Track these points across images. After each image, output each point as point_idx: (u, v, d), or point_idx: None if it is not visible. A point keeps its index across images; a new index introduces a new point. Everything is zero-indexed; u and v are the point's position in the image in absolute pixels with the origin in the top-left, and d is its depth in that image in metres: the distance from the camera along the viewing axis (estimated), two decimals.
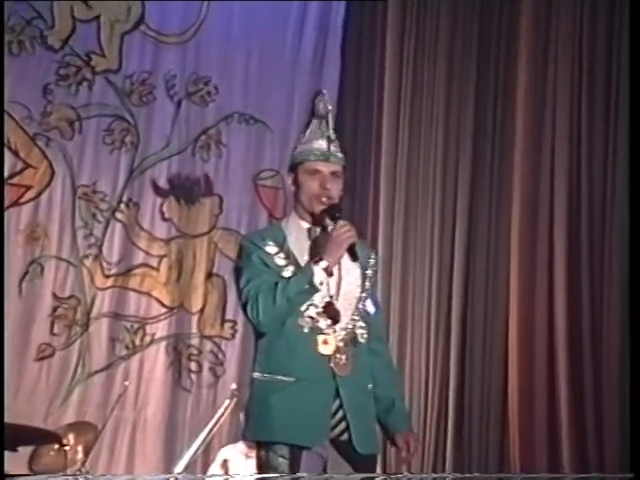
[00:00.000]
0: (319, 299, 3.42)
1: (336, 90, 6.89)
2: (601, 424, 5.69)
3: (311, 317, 3.43)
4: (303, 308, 3.41)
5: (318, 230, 3.50)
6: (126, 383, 6.27)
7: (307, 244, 3.49)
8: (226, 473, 5.58)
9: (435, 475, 3.46)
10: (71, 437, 5.57)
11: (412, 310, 6.40)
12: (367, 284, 3.54)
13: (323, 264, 3.36)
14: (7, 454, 4.92)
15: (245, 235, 4.01)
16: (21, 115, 6.68)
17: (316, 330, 3.42)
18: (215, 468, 5.61)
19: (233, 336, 6.85)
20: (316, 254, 3.40)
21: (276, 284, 3.36)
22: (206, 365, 6.83)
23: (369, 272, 3.56)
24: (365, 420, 3.45)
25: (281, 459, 3.35)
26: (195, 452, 5.62)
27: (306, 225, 3.53)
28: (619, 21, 5.90)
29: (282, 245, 3.46)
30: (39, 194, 6.72)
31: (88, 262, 6.76)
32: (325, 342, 3.42)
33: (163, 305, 6.84)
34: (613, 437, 5.59)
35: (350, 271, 3.49)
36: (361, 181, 6.61)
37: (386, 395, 3.55)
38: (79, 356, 6.68)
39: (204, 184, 6.97)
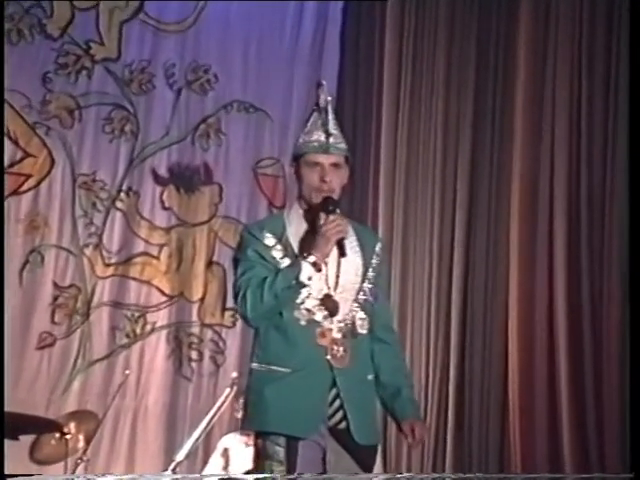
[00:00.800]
0: (317, 291, 3.42)
1: (335, 79, 6.88)
2: (602, 424, 5.67)
3: (308, 309, 3.42)
4: (299, 300, 3.41)
5: (306, 225, 3.49)
6: (127, 372, 6.28)
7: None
8: (227, 462, 5.60)
9: (435, 475, 3.45)
10: (72, 426, 5.58)
11: (412, 306, 6.38)
12: (370, 273, 3.53)
13: (311, 259, 3.36)
14: (8, 443, 4.94)
15: (246, 225, 4.01)
16: (20, 104, 6.67)
17: (313, 322, 3.42)
18: (216, 457, 5.64)
19: (234, 324, 6.85)
20: (305, 249, 3.40)
21: (265, 279, 3.37)
22: (207, 354, 6.84)
23: (374, 260, 3.55)
24: (364, 410, 3.44)
25: (278, 447, 3.36)
26: (196, 441, 5.63)
27: (306, 216, 3.52)
28: (618, 19, 5.88)
29: (280, 237, 3.46)
30: (39, 183, 6.72)
31: (88, 251, 6.76)
32: (322, 334, 3.41)
33: (163, 294, 6.84)
34: (614, 437, 5.57)
35: (350, 262, 3.47)
36: (360, 171, 6.58)
37: (392, 382, 3.54)
38: (80, 345, 6.69)
39: (204, 173, 6.96)
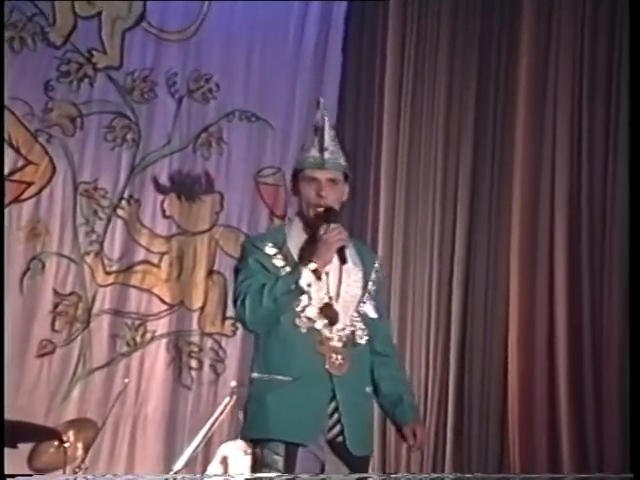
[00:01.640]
0: (318, 300, 3.46)
1: (337, 84, 6.90)
2: (601, 424, 5.69)
3: (308, 318, 3.46)
4: (299, 308, 3.44)
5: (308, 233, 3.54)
6: (126, 380, 6.28)
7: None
8: (225, 469, 5.59)
9: (434, 475, 3.46)
10: (71, 434, 5.56)
11: (412, 311, 6.39)
12: (371, 287, 3.57)
13: (312, 266, 3.41)
14: (7, 451, 4.93)
15: (247, 237, 4.08)
16: (22, 111, 6.68)
17: (313, 330, 3.45)
18: (215, 464, 5.63)
19: (234, 333, 6.85)
20: (306, 256, 3.45)
21: (264, 285, 3.41)
22: (207, 362, 6.83)
23: (373, 276, 3.60)
24: (359, 421, 3.48)
25: (276, 457, 3.39)
26: (195, 449, 5.62)
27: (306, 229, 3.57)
28: (620, 22, 5.89)
29: (281, 247, 3.51)
30: (40, 190, 6.73)
31: (89, 259, 6.77)
32: (322, 342, 3.45)
33: (164, 302, 6.84)
34: (613, 437, 5.58)
35: (351, 273, 3.53)
36: (361, 180, 6.59)
37: (393, 391, 3.59)
38: (80, 353, 6.69)
39: (205, 181, 6.97)
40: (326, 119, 3.60)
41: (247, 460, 5.30)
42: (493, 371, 6.13)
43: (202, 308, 6.86)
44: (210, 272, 6.89)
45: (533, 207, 6.11)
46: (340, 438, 3.44)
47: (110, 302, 6.76)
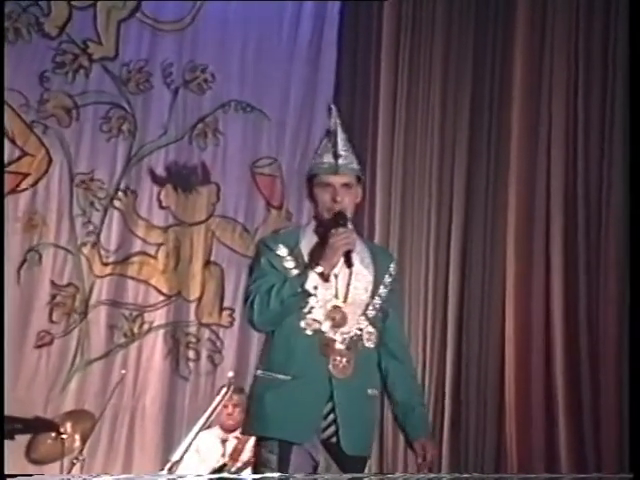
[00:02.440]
0: (325, 302, 3.50)
1: (332, 79, 6.90)
2: (599, 423, 5.66)
3: (315, 319, 3.50)
4: (306, 310, 3.48)
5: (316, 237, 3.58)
6: (123, 372, 6.29)
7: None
8: (200, 458, 5.64)
9: (431, 475, 3.46)
10: (68, 425, 5.59)
11: (408, 310, 6.37)
12: (382, 290, 3.59)
13: (319, 269, 3.44)
14: (4, 442, 4.95)
15: (262, 237, 4.14)
16: (18, 103, 6.68)
17: (319, 332, 3.49)
18: (190, 453, 5.63)
19: (231, 324, 6.86)
20: (314, 259, 3.49)
21: (273, 286, 3.46)
22: (204, 353, 6.84)
23: (387, 279, 3.62)
24: (358, 423, 3.50)
25: (270, 455, 3.43)
26: (192, 440, 5.63)
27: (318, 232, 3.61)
28: (614, 23, 5.86)
29: (293, 249, 3.55)
30: (37, 182, 6.73)
31: (86, 250, 6.77)
32: (326, 344, 3.49)
33: (161, 293, 6.85)
34: (611, 437, 5.56)
35: (361, 276, 3.56)
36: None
37: (406, 400, 3.62)
38: (78, 344, 6.70)
39: (201, 172, 6.96)
40: (339, 124, 3.63)
41: (221, 449, 5.54)
42: (490, 371, 6.11)
43: (199, 299, 6.87)
44: (207, 263, 6.90)
45: (529, 208, 6.09)
46: (334, 439, 3.47)
47: (107, 293, 6.77)
